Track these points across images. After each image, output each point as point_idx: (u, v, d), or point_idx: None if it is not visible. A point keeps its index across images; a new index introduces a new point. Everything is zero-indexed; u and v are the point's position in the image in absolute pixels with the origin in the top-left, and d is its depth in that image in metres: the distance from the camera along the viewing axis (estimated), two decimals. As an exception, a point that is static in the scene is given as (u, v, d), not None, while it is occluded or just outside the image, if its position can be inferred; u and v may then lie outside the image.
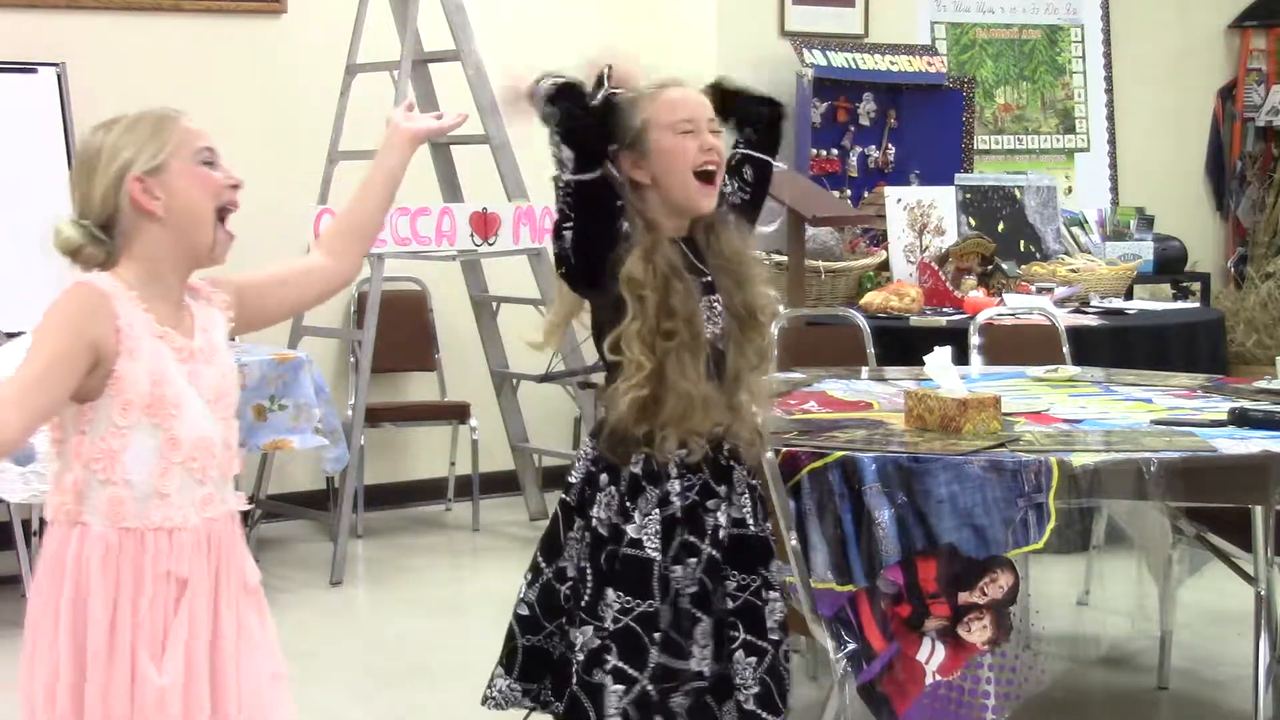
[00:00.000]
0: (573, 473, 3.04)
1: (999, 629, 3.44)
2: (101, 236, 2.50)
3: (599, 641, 2.90)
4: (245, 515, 6.66)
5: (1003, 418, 3.77)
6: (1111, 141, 8.59)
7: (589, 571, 2.94)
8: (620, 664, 2.88)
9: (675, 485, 2.94)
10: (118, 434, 2.47)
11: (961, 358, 5.05)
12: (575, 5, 7.56)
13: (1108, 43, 8.59)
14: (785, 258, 6.66)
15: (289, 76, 6.94)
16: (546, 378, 6.53)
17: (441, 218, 6.22)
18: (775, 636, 3.01)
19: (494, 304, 6.99)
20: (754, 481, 3.09)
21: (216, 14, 6.84)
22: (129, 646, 2.47)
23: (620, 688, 2.88)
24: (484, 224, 6.34)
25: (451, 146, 6.81)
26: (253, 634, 2.64)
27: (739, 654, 2.97)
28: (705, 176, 2.92)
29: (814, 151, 7.55)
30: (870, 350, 5.50)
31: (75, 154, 2.51)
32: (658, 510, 2.93)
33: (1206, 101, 9.04)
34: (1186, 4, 8.87)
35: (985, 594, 3.43)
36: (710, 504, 2.98)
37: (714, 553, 2.97)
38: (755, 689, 2.97)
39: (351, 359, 6.90)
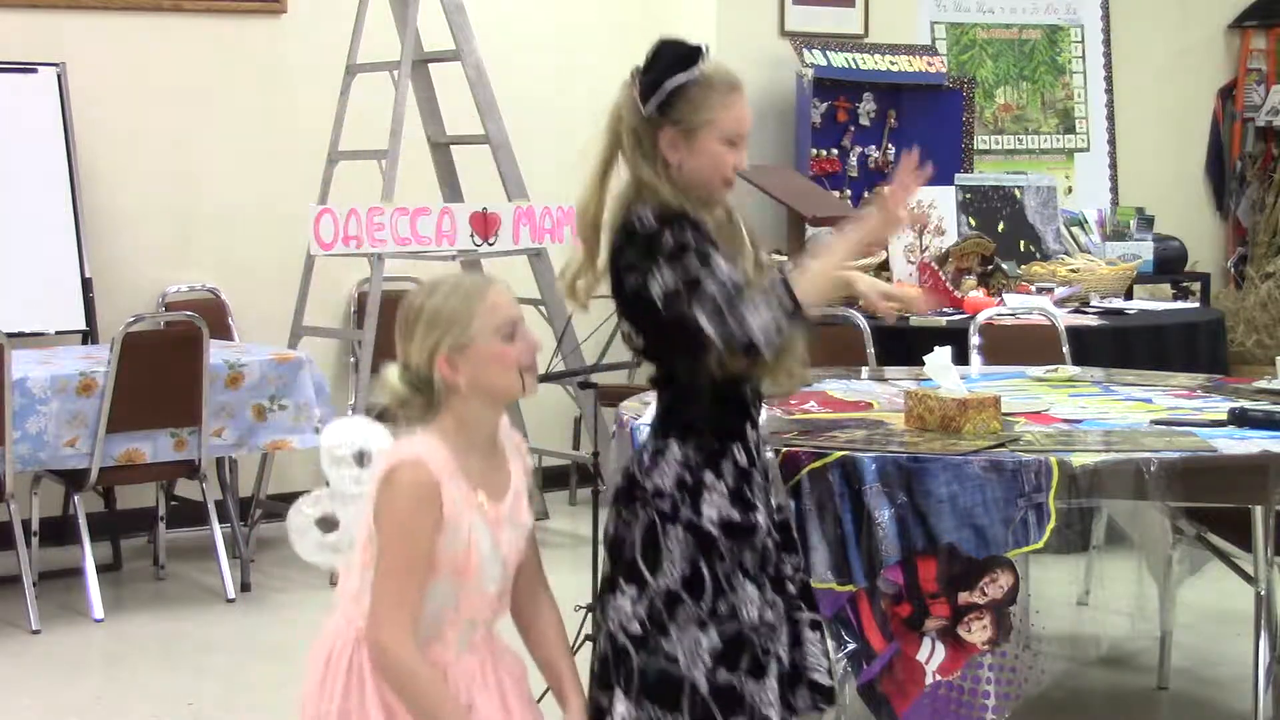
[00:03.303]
0: (651, 478, 2.95)
1: (999, 629, 3.45)
2: (422, 389, 2.74)
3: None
4: (245, 515, 6.68)
5: (1003, 418, 3.77)
6: (1111, 141, 8.59)
7: (706, 576, 2.90)
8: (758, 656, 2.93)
9: (753, 438, 3.01)
10: (422, 586, 2.70)
11: (961, 358, 5.06)
12: (575, 5, 7.56)
13: (1108, 43, 8.59)
14: (785, 258, 6.65)
15: (289, 76, 6.94)
16: (546, 378, 6.51)
17: (441, 218, 6.22)
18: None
19: (494, 304, 6.97)
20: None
21: (216, 14, 6.84)
22: None
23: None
24: (484, 224, 6.33)
25: (451, 146, 6.81)
26: None
27: (810, 633, 3.05)
28: (727, 183, 2.99)
29: (814, 151, 7.55)
30: (870, 350, 5.50)
31: (401, 307, 2.76)
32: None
33: (1206, 101, 9.04)
34: (1186, 4, 8.87)
35: (985, 594, 3.43)
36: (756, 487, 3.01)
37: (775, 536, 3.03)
38: (826, 663, 3.06)
39: (351, 359, 6.90)
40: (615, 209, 2.94)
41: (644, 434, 3.11)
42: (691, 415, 2.94)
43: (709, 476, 2.92)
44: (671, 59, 3.01)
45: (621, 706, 2.91)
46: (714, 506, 2.91)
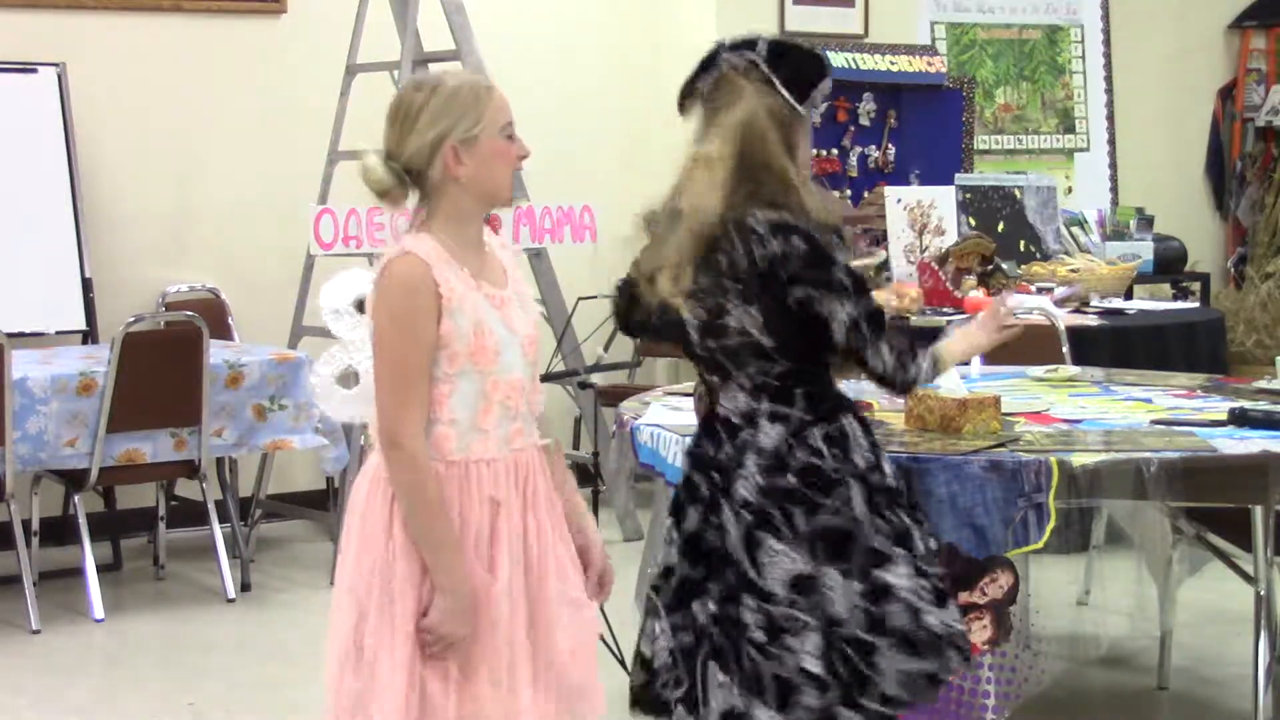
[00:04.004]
0: (847, 460, 3.06)
1: (999, 629, 3.45)
2: (406, 180, 2.76)
3: None
4: (245, 515, 6.67)
5: (1003, 418, 3.77)
6: (1111, 141, 8.59)
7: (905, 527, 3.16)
8: None
9: None
10: (446, 380, 2.73)
11: (961, 358, 5.05)
12: (575, 5, 7.56)
13: (1108, 43, 8.59)
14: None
15: (289, 76, 6.94)
16: (546, 377, 6.51)
17: (441, 218, 6.21)
18: None
19: (494, 304, 6.96)
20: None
21: (216, 14, 6.84)
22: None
23: None
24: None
25: (451, 146, 6.80)
26: (560, 559, 2.88)
27: None
28: None
29: (814, 151, 7.53)
30: (870, 350, 5.49)
31: (393, 103, 2.78)
32: None
33: (1206, 101, 9.04)
34: (1186, 4, 8.87)
35: (985, 594, 3.43)
36: None
37: None
38: None
39: (351, 359, 6.90)
40: (710, 206, 2.99)
41: (735, 434, 3.08)
42: (837, 398, 3.10)
43: (878, 438, 3.14)
44: (809, 60, 3.18)
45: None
46: (887, 462, 3.11)
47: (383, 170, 2.75)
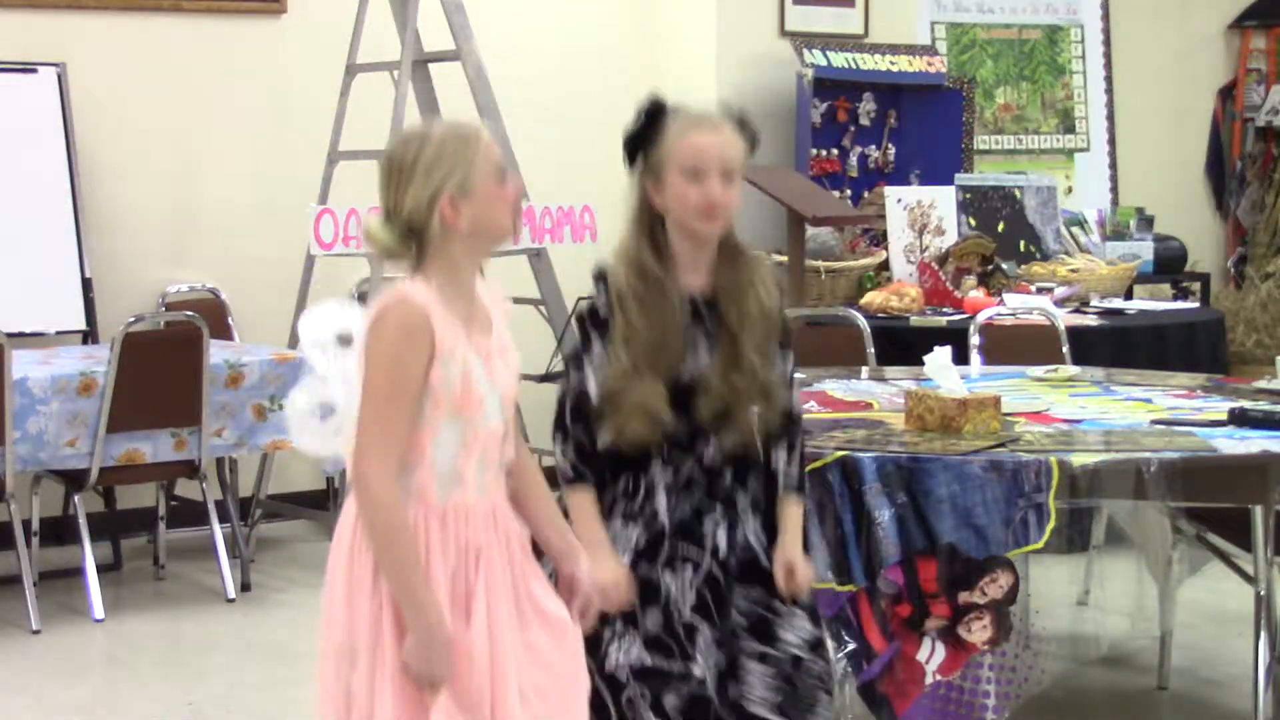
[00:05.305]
0: None
1: (999, 629, 3.45)
2: (410, 237, 2.74)
3: None
4: (245, 515, 6.66)
5: (1003, 418, 3.77)
6: (1111, 141, 8.59)
7: None
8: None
9: (663, 502, 3.08)
10: (429, 426, 2.73)
11: (961, 358, 5.06)
12: (575, 5, 7.56)
13: (1108, 43, 8.59)
14: (785, 258, 6.66)
15: (289, 76, 6.94)
16: (547, 377, 6.52)
17: (441, 218, 6.21)
18: (793, 650, 3.04)
19: (494, 304, 6.96)
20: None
21: (216, 14, 6.84)
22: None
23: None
24: (484, 224, 6.32)
25: (451, 146, 6.80)
26: (538, 602, 2.87)
27: (749, 663, 3.02)
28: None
29: (814, 151, 7.54)
30: (870, 350, 5.50)
31: (386, 158, 2.76)
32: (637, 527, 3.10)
33: (1206, 101, 9.04)
34: (1186, 4, 8.87)
35: (985, 594, 3.43)
36: (706, 520, 3.06)
37: (713, 568, 3.04)
38: (761, 692, 3.02)
39: (352, 359, 6.90)
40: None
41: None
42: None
43: None
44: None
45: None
46: None
47: (384, 232, 2.74)
